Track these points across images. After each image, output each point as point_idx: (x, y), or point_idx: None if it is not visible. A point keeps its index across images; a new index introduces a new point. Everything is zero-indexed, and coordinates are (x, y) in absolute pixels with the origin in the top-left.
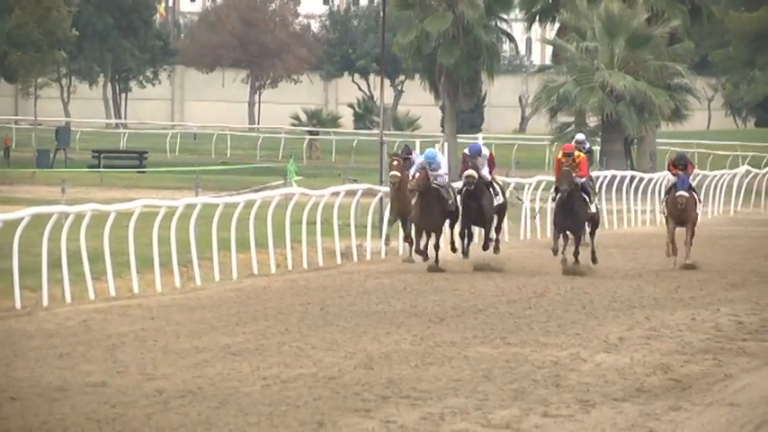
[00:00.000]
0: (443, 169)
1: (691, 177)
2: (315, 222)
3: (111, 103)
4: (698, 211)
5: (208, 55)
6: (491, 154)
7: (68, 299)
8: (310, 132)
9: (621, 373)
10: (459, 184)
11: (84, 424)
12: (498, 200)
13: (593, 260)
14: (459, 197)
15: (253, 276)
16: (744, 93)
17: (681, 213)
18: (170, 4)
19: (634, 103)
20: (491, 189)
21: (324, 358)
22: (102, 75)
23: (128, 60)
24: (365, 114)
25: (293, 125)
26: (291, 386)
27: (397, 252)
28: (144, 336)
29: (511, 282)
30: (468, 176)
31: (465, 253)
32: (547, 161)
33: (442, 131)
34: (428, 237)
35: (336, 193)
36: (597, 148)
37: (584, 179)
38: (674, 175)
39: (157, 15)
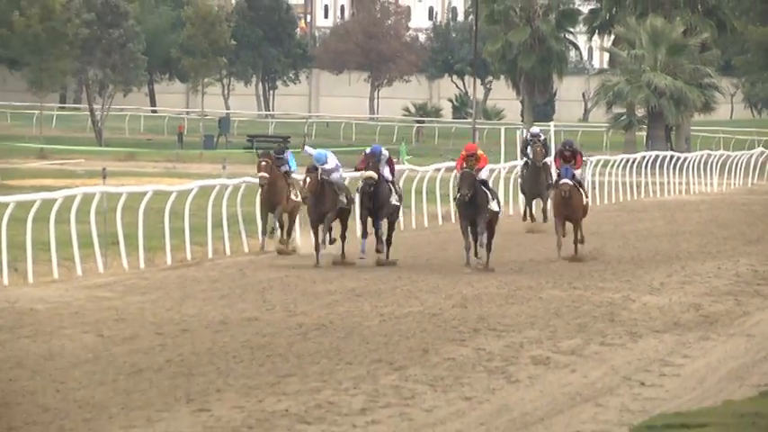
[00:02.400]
0: (338, 171)
1: (580, 173)
2: (421, 192)
3: (261, 98)
4: (585, 203)
5: (337, 60)
6: (390, 158)
7: (228, 252)
8: (418, 121)
9: (662, 310)
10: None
11: (240, 350)
12: (394, 200)
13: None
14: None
15: (373, 235)
16: (759, 90)
17: (566, 204)
18: (308, 20)
19: (673, 97)
20: (391, 187)
21: (428, 299)
22: (254, 75)
23: (275, 64)
24: (461, 107)
25: (404, 115)
26: (403, 321)
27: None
28: (288, 281)
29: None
30: (367, 178)
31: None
32: (604, 143)
33: (522, 120)
34: (324, 231)
35: (438, 169)
36: (644, 134)
37: (482, 173)
38: (558, 168)
39: (299, 29)
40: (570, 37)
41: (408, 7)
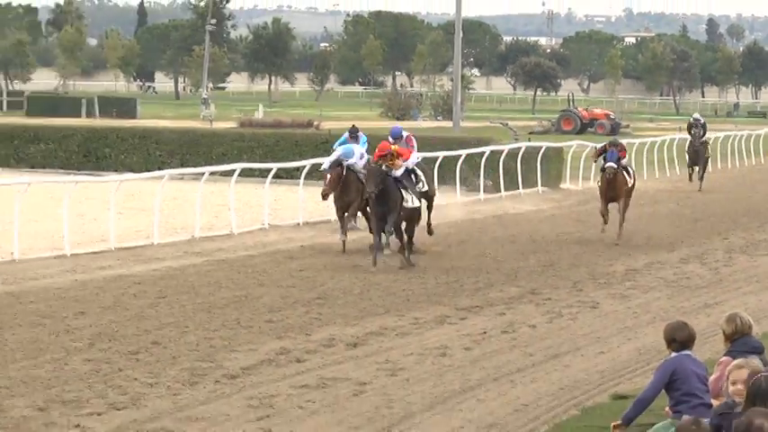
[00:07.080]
0: (357, 159)
1: (625, 160)
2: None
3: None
4: (629, 186)
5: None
6: (409, 136)
7: (646, 178)
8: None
9: None
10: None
11: (632, 238)
12: (420, 187)
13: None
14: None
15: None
16: None
17: (610, 184)
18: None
19: None
20: (412, 176)
21: None
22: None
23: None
24: None
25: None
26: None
27: None
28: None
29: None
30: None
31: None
32: None
33: None
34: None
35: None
36: None
37: (398, 172)
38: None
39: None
40: None
41: None
